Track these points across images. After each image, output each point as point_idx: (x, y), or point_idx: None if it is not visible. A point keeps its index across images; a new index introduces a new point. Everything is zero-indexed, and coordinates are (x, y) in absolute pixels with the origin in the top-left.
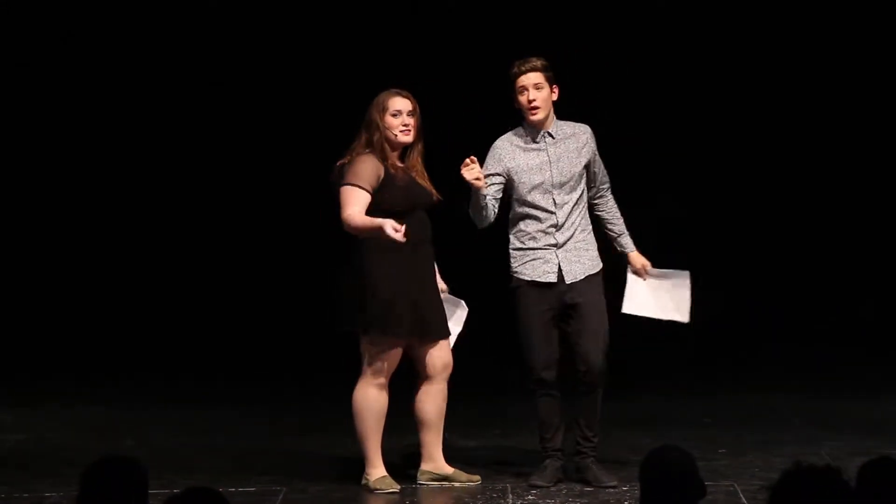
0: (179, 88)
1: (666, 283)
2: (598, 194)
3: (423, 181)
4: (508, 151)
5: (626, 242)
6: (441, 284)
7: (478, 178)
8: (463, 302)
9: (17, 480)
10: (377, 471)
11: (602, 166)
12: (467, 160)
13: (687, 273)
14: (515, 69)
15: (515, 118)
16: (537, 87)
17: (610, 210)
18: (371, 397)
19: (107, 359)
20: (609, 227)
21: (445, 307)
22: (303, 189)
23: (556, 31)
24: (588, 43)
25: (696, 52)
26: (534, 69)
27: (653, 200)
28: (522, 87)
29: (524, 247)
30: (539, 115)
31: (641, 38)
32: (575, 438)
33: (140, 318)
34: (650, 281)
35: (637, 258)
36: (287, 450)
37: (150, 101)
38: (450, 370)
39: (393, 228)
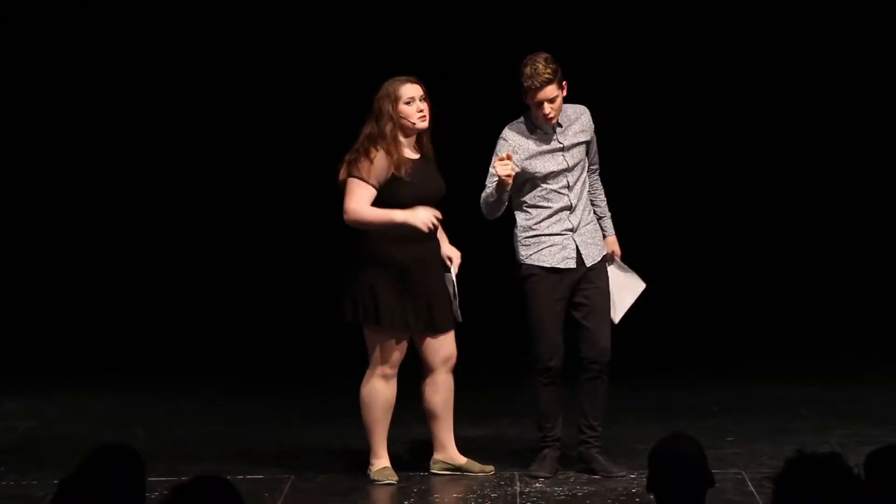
0: (184, 84)
1: (621, 279)
2: (590, 174)
3: (436, 172)
4: (519, 140)
5: (607, 225)
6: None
7: (509, 175)
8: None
9: (27, 469)
10: (379, 461)
11: (595, 146)
12: (504, 155)
13: (643, 285)
14: (529, 83)
15: (519, 105)
16: (552, 99)
17: (597, 191)
18: (375, 388)
19: (117, 348)
20: (594, 207)
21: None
22: (307, 180)
23: (554, 31)
24: (586, 43)
25: (694, 53)
26: (549, 81)
27: (649, 199)
28: (539, 101)
29: (540, 233)
30: (555, 121)
31: (640, 38)
32: (580, 427)
33: (150, 309)
34: (610, 269)
35: (611, 243)
36: (295, 439)
37: (155, 97)
38: (452, 362)
39: (422, 223)
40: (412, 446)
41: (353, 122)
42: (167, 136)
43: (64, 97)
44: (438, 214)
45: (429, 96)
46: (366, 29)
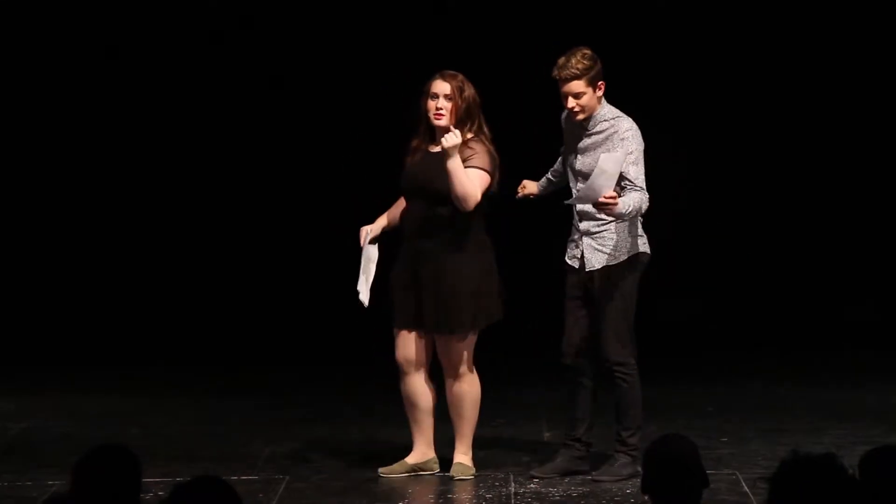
0: (194, 79)
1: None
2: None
3: (434, 166)
4: (566, 125)
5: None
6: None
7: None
8: None
9: (21, 469)
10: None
11: (633, 172)
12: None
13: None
14: (555, 73)
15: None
16: (577, 95)
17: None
18: (402, 383)
19: (111, 347)
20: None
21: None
22: (304, 178)
23: (555, 30)
24: (587, 42)
25: (694, 53)
26: (574, 77)
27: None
28: (563, 94)
29: (572, 225)
30: (581, 117)
31: (640, 38)
32: None
33: (145, 307)
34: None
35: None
36: (290, 439)
37: (169, 92)
38: (452, 367)
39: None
40: (406, 447)
41: (355, 119)
42: (166, 132)
43: (69, 95)
44: (363, 236)
45: (457, 96)
46: (374, 28)
